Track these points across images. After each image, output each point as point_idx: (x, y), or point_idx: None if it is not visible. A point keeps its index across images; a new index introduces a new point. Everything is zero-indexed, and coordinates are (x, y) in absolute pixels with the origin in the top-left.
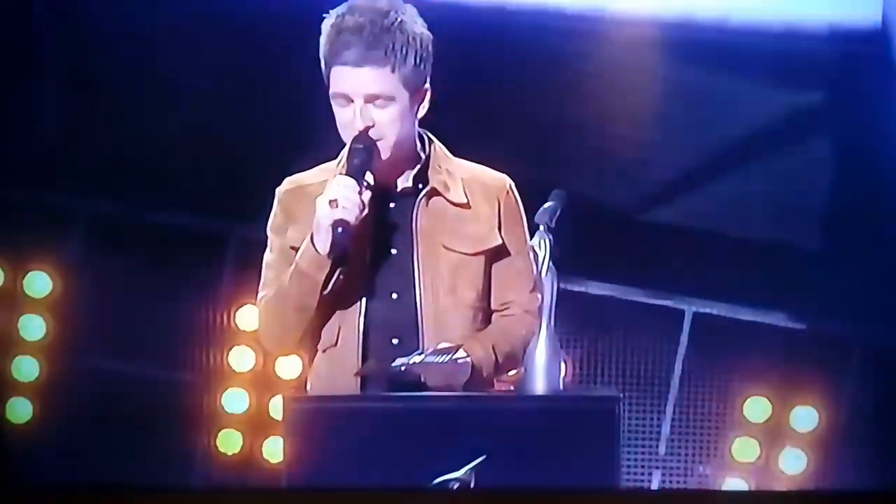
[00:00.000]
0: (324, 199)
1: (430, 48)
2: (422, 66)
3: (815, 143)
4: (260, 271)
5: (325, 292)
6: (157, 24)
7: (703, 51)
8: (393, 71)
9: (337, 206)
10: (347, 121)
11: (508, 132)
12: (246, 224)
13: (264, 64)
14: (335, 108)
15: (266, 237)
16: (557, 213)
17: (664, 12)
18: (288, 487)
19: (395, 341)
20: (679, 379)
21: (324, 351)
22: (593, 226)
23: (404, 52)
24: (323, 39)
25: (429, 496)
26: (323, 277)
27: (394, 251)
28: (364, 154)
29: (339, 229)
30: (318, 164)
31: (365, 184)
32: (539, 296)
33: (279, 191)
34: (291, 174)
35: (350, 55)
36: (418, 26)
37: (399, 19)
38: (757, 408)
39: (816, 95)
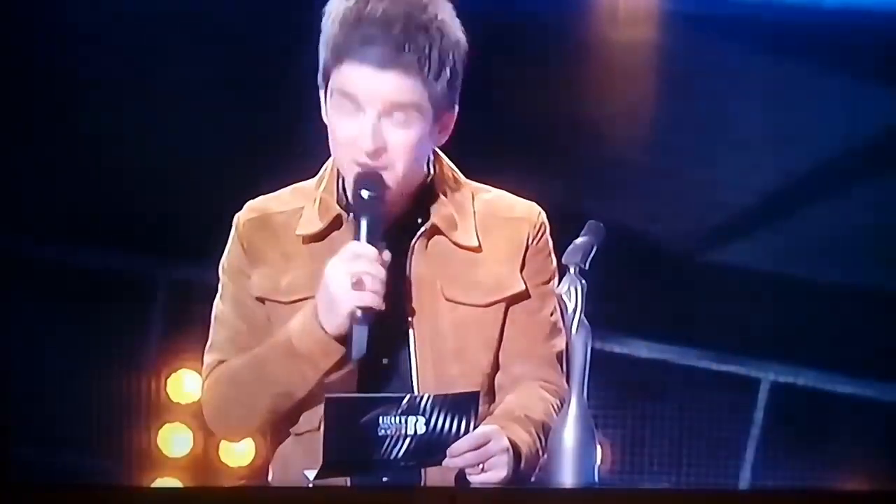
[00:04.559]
0: (340, 274)
1: (465, 61)
2: (456, 83)
3: None
4: (200, 326)
5: (328, 380)
6: (60, 28)
7: (786, 41)
8: (424, 82)
9: (363, 289)
10: (350, 137)
11: (529, 147)
12: (180, 265)
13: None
14: (334, 115)
15: (211, 280)
16: (593, 252)
17: None
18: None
19: None
20: (752, 467)
21: (299, 434)
22: (639, 268)
23: (441, 61)
24: (333, 23)
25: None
26: (329, 366)
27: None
28: (377, 205)
29: (361, 316)
30: (270, 185)
31: (383, 247)
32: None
33: (239, 219)
34: (243, 198)
35: (373, 53)
36: (459, 31)
37: (439, 16)
38: None
39: None
